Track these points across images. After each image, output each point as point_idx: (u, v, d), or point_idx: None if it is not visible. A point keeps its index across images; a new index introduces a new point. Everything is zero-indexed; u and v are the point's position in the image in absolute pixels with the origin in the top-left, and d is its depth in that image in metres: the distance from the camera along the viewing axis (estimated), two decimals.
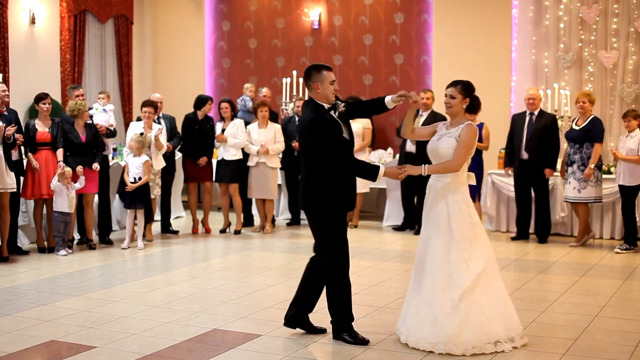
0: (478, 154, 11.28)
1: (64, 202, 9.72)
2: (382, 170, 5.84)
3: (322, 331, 6.24)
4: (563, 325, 6.58)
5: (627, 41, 12.64)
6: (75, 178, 9.88)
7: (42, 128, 9.88)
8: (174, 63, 16.33)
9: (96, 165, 10.17)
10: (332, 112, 5.88)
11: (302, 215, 12.57)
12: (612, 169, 11.05)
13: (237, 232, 11.69)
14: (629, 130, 10.19)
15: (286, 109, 13.48)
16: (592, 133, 10.36)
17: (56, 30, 14.11)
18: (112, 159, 11.64)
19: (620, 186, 10.19)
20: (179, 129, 11.70)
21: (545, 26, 13.22)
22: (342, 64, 15.09)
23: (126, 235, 10.44)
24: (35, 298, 7.48)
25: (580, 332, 6.33)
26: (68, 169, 9.76)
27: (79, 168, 9.86)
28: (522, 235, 11.14)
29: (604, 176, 10.74)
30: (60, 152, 9.89)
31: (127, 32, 15.73)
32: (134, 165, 10.35)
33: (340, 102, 5.93)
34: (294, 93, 13.64)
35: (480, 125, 11.28)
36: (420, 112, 11.58)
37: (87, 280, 8.36)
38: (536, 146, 10.84)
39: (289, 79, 13.76)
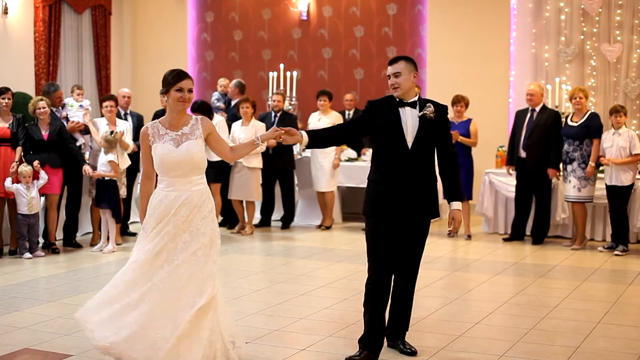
0: (467, 150, 11.30)
1: (23, 204, 9.68)
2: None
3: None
4: (564, 332, 6.60)
5: (631, 34, 12.69)
6: (36, 175, 9.83)
7: (1, 124, 9.82)
8: (154, 56, 16.31)
9: (86, 168, 10.17)
10: (413, 109, 5.71)
11: (276, 216, 12.55)
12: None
13: None
14: (617, 127, 10.24)
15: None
16: (593, 129, 10.40)
17: (30, 21, 14.07)
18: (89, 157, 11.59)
19: (611, 187, 10.21)
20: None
21: (546, 18, 13.26)
22: (331, 57, 15.10)
23: (101, 237, 10.39)
24: (7, 303, 7.44)
25: (582, 340, 6.34)
26: (27, 168, 9.69)
27: (36, 163, 9.77)
28: (515, 236, 11.16)
29: (599, 175, 10.74)
30: (18, 150, 9.83)
31: (105, 23, 15.71)
32: (100, 163, 10.34)
33: (430, 105, 5.73)
34: (281, 88, 13.63)
35: (468, 121, 11.31)
36: None
37: (62, 284, 8.33)
38: (535, 144, 10.85)
39: (275, 73, 13.76)
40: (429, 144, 5.74)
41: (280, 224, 12.43)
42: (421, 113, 5.68)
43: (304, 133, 5.67)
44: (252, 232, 11.85)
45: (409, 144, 5.65)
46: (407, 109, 5.71)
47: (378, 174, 5.78)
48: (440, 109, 5.80)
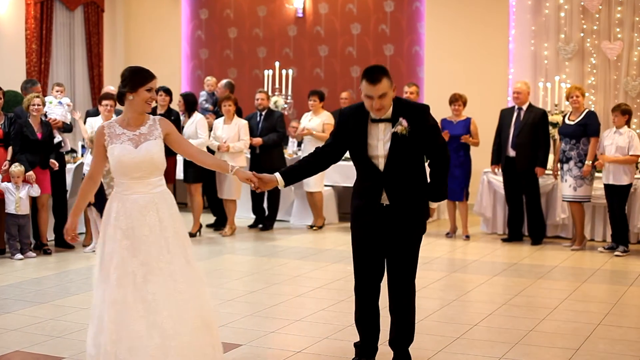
0: (466, 150, 11.31)
1: (11, 202, 9.67)
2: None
3: None
4: (564, 334, 6.60)
5: (631, 31, 12.70)
6: (29, 182, 9.80)
7: None
8: (147, 53, 16.27)
9: (53, 162, 10.13)
10: (388, 123, 5.27)
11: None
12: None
13: (192, 235, 11.04)
14: (617, 126, 10.26)
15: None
16: (590, 127, 10.41)
17: (21, 18, 14.05)
18: (77, 157, 11.56)
19: (610, 186, 10.21)
20: None
21: (545, 15, 13.26)
22: (328, 55, 15.09)
23: (92, 237, 10.38)
24: None
25: (583, 342, 6.35)
26: (19, 169, 9.68)
27: (30, 173, 9.75)
28: (514, 237, 11.17)
29: (597, 175, 10.74)
30: (10, 150, 9.82)
31: (98, 21, 15.69)
32: (86, 162, 10.33)
33: (402, 122, 5.20)
34: (277, 86, 13.62)
35: (467, 120, 11.31)
36: None
37: (53, 286, 8.31)
38: (524, 143, 10.89)
39: (271, 71, 13.75)
40: (407, 159, 5.30)
41: (278, 224, 12.40)
42: (393, 130, 5.23)
43: (278, 176, 5.46)
44: (233, 232, 11.74)
45: (381, 167, 5.30)
46: (381, 125, 5.30)
47: (358, 186, 5.53)
48: (416, 113, 5.31)
